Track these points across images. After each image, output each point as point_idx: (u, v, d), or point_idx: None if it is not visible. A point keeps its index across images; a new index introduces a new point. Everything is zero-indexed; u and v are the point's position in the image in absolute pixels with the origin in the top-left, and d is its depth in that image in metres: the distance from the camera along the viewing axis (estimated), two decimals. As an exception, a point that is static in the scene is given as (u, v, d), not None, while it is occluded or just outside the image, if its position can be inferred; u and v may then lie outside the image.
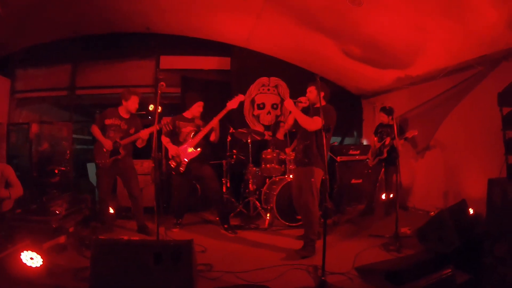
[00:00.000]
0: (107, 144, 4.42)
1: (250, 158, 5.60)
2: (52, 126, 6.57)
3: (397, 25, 4.81)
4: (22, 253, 2.89)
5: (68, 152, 6.35)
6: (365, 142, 7.68)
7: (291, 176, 5.16)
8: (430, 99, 5.69)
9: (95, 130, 4.49)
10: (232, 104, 4.56)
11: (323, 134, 3.26)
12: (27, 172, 5.96)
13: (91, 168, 6.78)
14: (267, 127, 7.19)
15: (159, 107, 3.78)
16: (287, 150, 5.55)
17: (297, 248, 3.85)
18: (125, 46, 7.03)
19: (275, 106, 7.32)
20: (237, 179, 6.22)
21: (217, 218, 5.00)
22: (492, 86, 4.33)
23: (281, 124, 6.37)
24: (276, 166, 5.49)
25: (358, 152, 6.47)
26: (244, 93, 6.93)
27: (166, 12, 6.20)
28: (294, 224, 4.92)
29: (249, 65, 7.16)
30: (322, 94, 3.86)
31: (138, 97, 4.61)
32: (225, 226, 4.75)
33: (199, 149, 4.62)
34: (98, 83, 7.02)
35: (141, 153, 5.46)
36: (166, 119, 4.38)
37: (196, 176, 4.85)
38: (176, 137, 4.73)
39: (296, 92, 4.07)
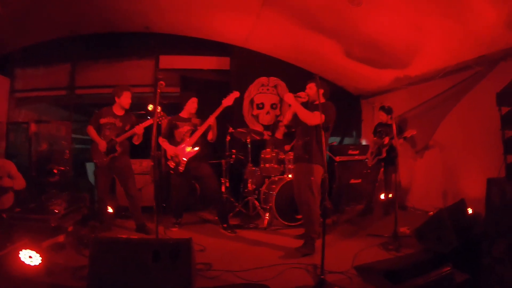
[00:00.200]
0: (102, 145, 4.43)
1: (249, 158, 5.61)
2: (51, 126, 6.56)
3: (396, 25, 4.82)
4: (21, 252, 2.88)
5: (67, 151, 6.34)
6: (364, 142, 7.68)
7: (290, 175, 5.17)
8: (429, 99, 5.70)
9: (91, 131, 4.52)
10: (228, 101, 4.56)
11: (322, 132, 3.27)
12: (26, 171, 5.91)
13: (90, 167, 6.77)
14: (266, 127, 7.19)
15: (159, 107, 3.77)
16: (286, 147, 5.55)
17: (296, 247, 3.84)
18: (125, 46, 7.01)
19: (274, 106, 7.33)
20: (236, 178, 6.21)
21: (216, 218, 5.00)
22: (491, 86, 4.33)
23: (280, 124, 6.37)
24: (275, 166, 5.49)
25: (357, 152, 6.47)
26: (243, 92, 6.94)
27: (166, 12, 6.20)
28: (293, 224, 4.92)
29: (249, 65, 7.16)
30: (322, 91, 3.86)
31: (130, 92, 4.61)
32: (224, 225, 4.75)
33: (197, 148, 4.62)
34: (98, 82, 7.01)
35: (140, 152, 5.47)
36: (161, 113, 4.36)
37: (195, 176, 4.85)
38: (173, 138, 4.74)
39: (295, 92, 4.06)
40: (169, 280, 2.37)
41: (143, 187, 5.73)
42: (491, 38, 4.22)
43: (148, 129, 4.51)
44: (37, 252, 2.94)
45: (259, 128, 7.12)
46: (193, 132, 4.65)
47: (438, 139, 5.65)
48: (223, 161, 5.93)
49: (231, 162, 5.93)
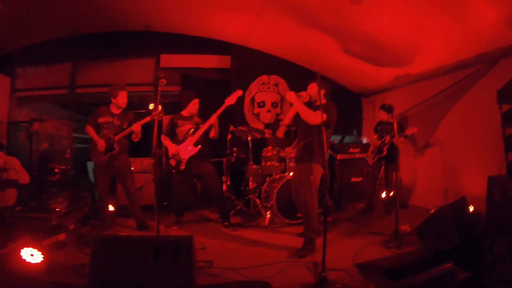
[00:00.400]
0: (100, 144, 4.46)
1: (250, 156, 5.60)
2: (52, 125, 6.56)
3: (396, 23, 4.82)
4: (22, 250, 2.89)
5: (68, 150, 6.35)
6: (365, 141, 7.68)
7: (291, 173, 5.16)
8: (430, 98, 5.70)
9: (89, 130, 4.56)
10: (230, 100, 4.56)
11: (324, 130, 3.26)
12: (27, 170, 5.95)
13: (91, 166, 6.76)
14: (267, 125, 7.19)
15: (160, 106, 3.78)
16: (288, 149, 5.55)
17: (297, 245, 3.84)
18: (125, 45, 7.01)
19: (275, 104, 7.33)
20: (237, 177, 6.21)
21: (217, 216, 5.01)
22: (491, 84, 4.33)
23: (281, 123, 6.37)
24: (276, 164, 5.50)
25: (358, 150, 6.47)
26: (244, 91, 6.95)
27: (166, 11, 6.20)
28: (294, 222, 4.92)
29: (249, 63, 7.16)
30: (323, 91, 3.85)
31: (125, 91, 4.62)
32: (226, 223, 4.76)
33: (198, 146, 4.62)
34: (98, 81, 7.00)
35: (141, 151, 5.47)
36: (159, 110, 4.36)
37: (197, 174, 4.85)
38: (175, 136, 4.75)
39: (296, 90, 4.05)
40: (170, 278, 2.37)
41: (144, 186, 5.73)
42: (491, 36, 4.21)
43: (148, 127, 4.51)
44: (38, 250, 2.94)
45: (260, 126, 7.12)
46: (195, 130, 4.66)
47: (439, 137, 5.65)
48: (224, 159, 5.93)
49: (232, 160, 5.93)
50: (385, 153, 5.46)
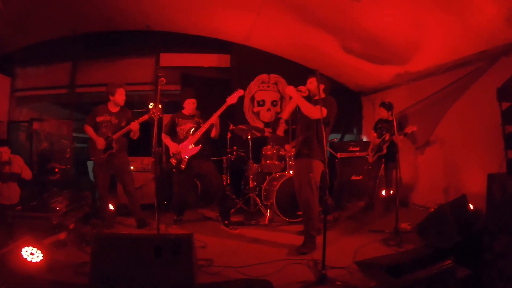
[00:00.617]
0: (99, 142, 4.46)
1: (250, 155, 5.60)
2: (52, 124, 6.58)
3: (396, 20, 4.81)
4: (23, 249, 2.89)
5: (68, 150, 6.36)
6: (365, 139, 7.68)
7: (291, 172, 5.17)
8: (430, 95, 5.70)
9: (88, 130, 4.57)
10: (232, 99, 4.57)
11: (323, 127, 3.26)
12: (27, 169, 5.98)
13: (91, 166, 6.78)
14: (267, 124, 7.20)
15: (159, 105, 3.78)
16: (287, 146, 5.55)
17: (297, 243, 3.84)
18: (125, 44, 7.02)
19: (275, 103, 7.33)
20: (237, 175, 6.22)
21: (217, 215, 5.01)
22: (492, 82, 4.33)
23: (281, 120, 6.36)
24: (276, 162, 5.50)
25: (358, 148, 6.48)
26: (244, 90, 6.95)
27: (166, 10, 6.20)
28: (294, 220, 4.93)
29: (249, 62, 7.16)
30: (322, 86, 3.84)
31: (123, 88, 4.64)
32: (226, 222, 4.76)
33: (199, 145, 4.63)
34: (98, 81, 6.98)
35: (141, 150, 5.47)
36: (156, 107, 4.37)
37: (197, 173, 4.85)
38: (176, 135, 4.75)
39: (296, 88, 4.05)
40: (170, 276, 2.37)
41: (144, 185, 5.74)
42: (491, 33, 4.21)
43: (148, 126, 4.51)
44: (39, 249, 2.95)
45: (259, 125, 7.12)
46: (196, 129, 4.66)
47: (439, 135, 5.65)
48: (224, 158, 5.94)
49: (232, 159, 5.93)
50: (385, 151, 5.46)
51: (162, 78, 3.53)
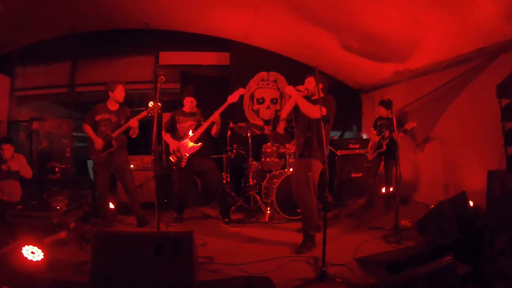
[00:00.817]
0: (98, 142, 4.46)
1: (250, 153, 5.61)
2: (52, 124, 6.57)
3: (394, 18, 4.80)
4: (23, 248, 2.90)
5: (68, 149, 6.36)
6: (364, 136, 7.68)
7: (291, 169, 5.17)
8: (429, 92, 5.69)
9: (87, 129, 4.57)
10: (233, 97, 4.58)
11: (322, 125, 3.25)
12: (28, 169, 5.99)
13: (91, 165, 6.77)
14: (266, 122, 7.19)
15: (159, 103, 3.78)
16: (287, 145, 5.55)
17: (297, 241, 3.84)
18: (124, 43, 7.03)
19: (274, 100, 7.32)
20: (237, 173, 6.22)
21: (218, 213, 5.01)
22: (491, 79, 4.31)
23: (278, 113, 6.36)
24: (276, 160, 5.50)
25: (357, 146, 6.49)
26: (243, 88, 6.95)
27: (165, 8, 6.20)
28: (294, 218, 4.92)
29: (248, 60, 7.16)
30: (321, 85, 3.83)
31: (123, 85, 4.64)
32: (226, 220, 4.76)
33: (199, 143, 4.63)
34: (98, 80, 6.97)
35: (141, 148, 5.47)
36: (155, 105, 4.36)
37: (198, 171, 4.86)
38: (176, 132, 4.75)
39: (295, 86, 4.03)
40: (171, 274, 2.37)
41: (144, 183, 5.74)
42: (490, 30, 4.20)
43: (148, 125, 4.51)
44: (39, 248, 2.95)
45: (259, 122, 7.12)
46: (196, 127, 4.66)
47: (439, 132, 5.65)
48: (224, 155, 5.94)
49: (232, 156, 5.93)
50: (384, 148, 5.47)
51: (161, 77, 3.54)
